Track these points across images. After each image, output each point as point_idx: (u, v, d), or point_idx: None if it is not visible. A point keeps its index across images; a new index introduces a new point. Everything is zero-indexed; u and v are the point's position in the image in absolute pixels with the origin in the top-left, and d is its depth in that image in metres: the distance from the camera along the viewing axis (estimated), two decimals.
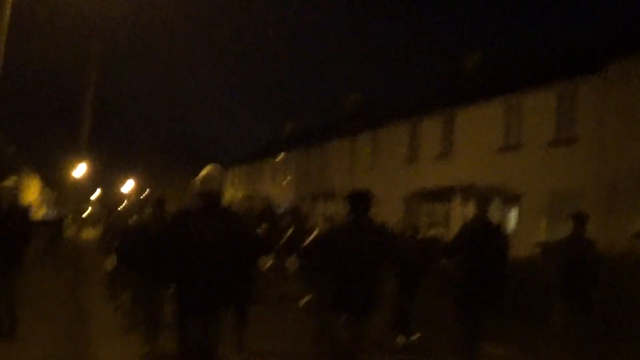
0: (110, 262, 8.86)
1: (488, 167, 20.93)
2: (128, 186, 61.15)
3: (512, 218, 20.55)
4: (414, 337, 8.81)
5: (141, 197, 41.94)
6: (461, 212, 21.08)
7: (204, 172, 4.85)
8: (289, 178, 37.80)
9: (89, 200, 60.83)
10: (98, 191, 65.92)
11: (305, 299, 10.92)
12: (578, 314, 7.00)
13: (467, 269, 6.44)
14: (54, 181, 64.09)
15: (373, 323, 5.73)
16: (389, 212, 25.90)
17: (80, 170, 45.43)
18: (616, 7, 52.02)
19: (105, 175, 62.55)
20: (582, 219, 7.21)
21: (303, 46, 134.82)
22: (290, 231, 11.19)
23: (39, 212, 49.10)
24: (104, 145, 76.57)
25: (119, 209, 19.16)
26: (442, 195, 22.45)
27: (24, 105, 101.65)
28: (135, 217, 9.47)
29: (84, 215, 47.06)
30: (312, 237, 7.86)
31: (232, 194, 48.16)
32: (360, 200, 5.66)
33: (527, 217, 19.55)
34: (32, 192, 58.96)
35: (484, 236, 6.46)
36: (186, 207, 5.12)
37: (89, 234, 32.60)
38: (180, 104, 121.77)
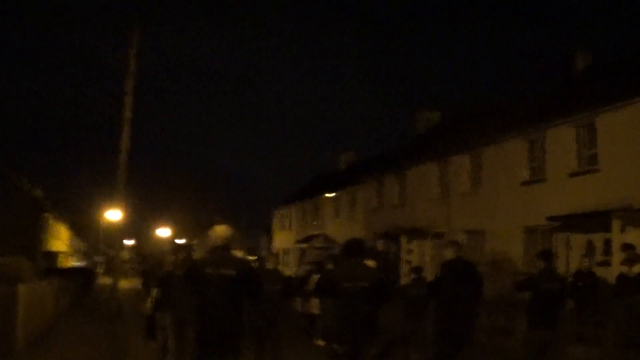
0: (149, 306, 9.51)
1: None
2: (163, 233, 57.93)
3: None
4: None
5: (180, 244, 39.59)
6: (620, 241, 16.04)
7: (219, 229, 6.08)
8: (353, 214, 33.05)
9: (122, 248, 57.86)
10: (131, 240, 62.83)
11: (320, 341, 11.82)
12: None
13: (445, 308, 7.62)
14: (84, 228, 61.48)
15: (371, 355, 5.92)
16: (503, 246, 20.97)
17: (114, 217, 42.33)
18: None
19: (139, 223, 59.07)
20: (550, 255, 8.26)
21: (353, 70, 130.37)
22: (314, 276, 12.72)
23: (70, 261, 47.10)
24: (138, 190, 72.87)
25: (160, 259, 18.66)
26: (585, 221, 17.45)
27: (52, 147, 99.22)
28: (169, 264, 9.88)
29: (122, 264, 45.34)
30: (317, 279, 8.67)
31: (285, 237, 43.73)
32: (355, 248, 6.22)
33: None
34: (62, 241, 55.31)
35: (462, 275, 7.54)
36: (199, 259, 6.49)
37: (128, 282, 31.18)
38: (219, 146, 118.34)
